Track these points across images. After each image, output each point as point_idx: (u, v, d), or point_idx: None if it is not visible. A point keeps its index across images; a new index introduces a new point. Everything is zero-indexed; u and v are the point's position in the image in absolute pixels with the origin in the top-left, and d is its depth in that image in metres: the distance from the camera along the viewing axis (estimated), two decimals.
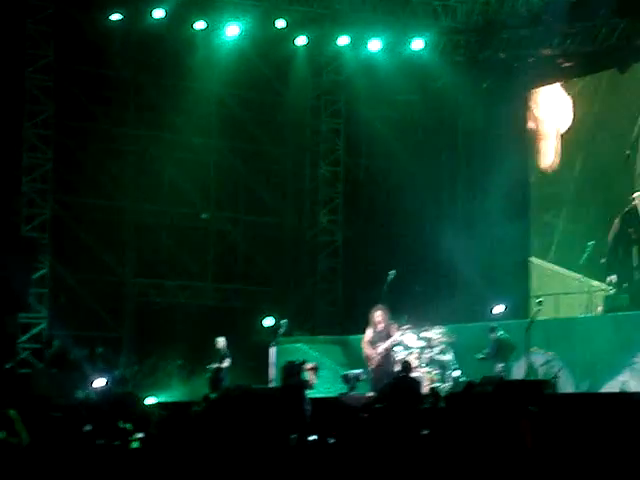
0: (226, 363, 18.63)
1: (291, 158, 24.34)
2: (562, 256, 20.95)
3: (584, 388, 16.44)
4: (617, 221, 18.98)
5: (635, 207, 19.03)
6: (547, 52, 20.72)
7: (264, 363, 19.11)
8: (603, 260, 18.77)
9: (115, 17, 20.96)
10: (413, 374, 16.40)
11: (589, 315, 17.51)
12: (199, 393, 16.26)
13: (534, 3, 20.21)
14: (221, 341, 18.85)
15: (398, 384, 13.95)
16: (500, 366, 16.63)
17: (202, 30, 21.36)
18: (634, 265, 18.74)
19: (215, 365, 18.60)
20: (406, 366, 14.51)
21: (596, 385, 16.37)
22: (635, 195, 19.12)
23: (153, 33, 21.18)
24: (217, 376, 18.43)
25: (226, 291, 23.49)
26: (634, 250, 18.82)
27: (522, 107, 22.36)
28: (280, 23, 21.42)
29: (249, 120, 23.56)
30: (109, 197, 22.52)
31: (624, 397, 14.28)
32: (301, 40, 22.14)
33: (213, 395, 15.95)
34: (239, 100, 23.39)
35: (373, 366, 16.59)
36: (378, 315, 16.58)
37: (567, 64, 21.30)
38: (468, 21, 21.52)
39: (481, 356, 16.74)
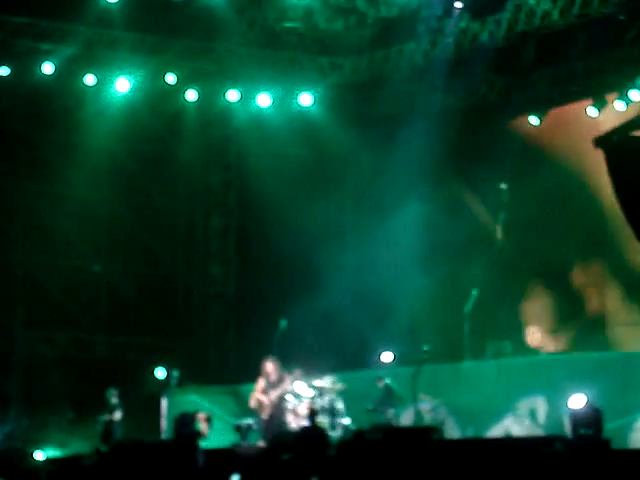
0: (117, 415, 18.58)
1: (183, 211, 24.46)
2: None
3: (469, 433, 16.86)
4: None
5: None
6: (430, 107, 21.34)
7: (156, 415, 19.11)
8: None
9: (3, 72, 20.89)
10: (303, 422, 16.68)
11: (473, 361, 17.98)
12: (90, 446, 16.18)
13: (416, 59, 20.86)
14: (113, 393, 18.81)
15: (305, 434, 13.99)
16: (391, 412, 16.97)
17: (92, 85, 21.45)
18: None
19: (106, 417, 18.54)
20: (312, 415, 14.60)
21: (481, 430, 16.81)
22: None
23: (43, 87, 21.20)
24: (108, 429, 18.35)
25: (118, 343, 23.37)
26: None
27: (409, 160, 22.96)
28: (170, 78, 21.67)
29: (141, 173, 23.55)
30: None
31: (508, 442, 14.71)
32: (191, 95, 22.42)
33: (104, 448, 15.91)
34: (130, 154, 23.38)
35: (265, 416, 16.80)
36: (269, 365, 16.85)
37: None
38: (354, 77, 22.09)
39: (369, 407, 17.06)
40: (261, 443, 16.26)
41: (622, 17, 19.04)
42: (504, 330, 19.38)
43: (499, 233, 18.41)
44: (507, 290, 19.82)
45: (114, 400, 18.72)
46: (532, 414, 16.76)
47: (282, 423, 16.89)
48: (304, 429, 14.44)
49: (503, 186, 18.32)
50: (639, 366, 16.28)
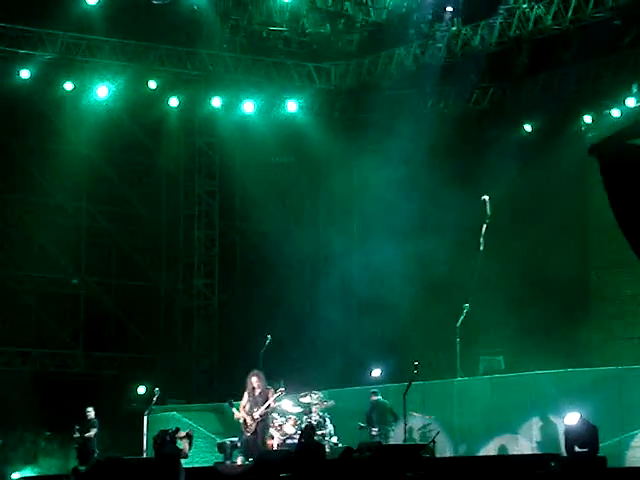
0: (93, 433, 17.90)
1: (165, 221, 23.95)
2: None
3: (462, 451, 16.35)
4: None
5: None
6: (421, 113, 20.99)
7: (137, 433, 18.54)
8: None
9: None
10: (290, 440, 16.07)
11: (465, 378, 17.47)
12: (67, 465, 15.73)
13: (407, 65, 20.50)
14: (90, 410, 18.19)
15: (303, 450, 13.37)
16: (375, 430, 16.41)
17: (70, 91, 21.02)
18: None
19: (83, 435, 17.85)
20: (308, 431, 13.96)
21: (473, 448, 16.30)
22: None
23: (20, 93, 20.71)
24: (86, 447, 17.74)
25: (97, 359, 22.84)
26: None
27: (399, 167, 22.52)
28: (151, 84, 21.24)
29: (121, 182, 23.14)
30: None
31: (501, 459, 14.23)
32: (173, 101, 21.94)
33: (82, 467, 15.38)
34: (111, 162, 23.00)
35: (249, 432, 16.18)
36: (254, 380, 16.25)
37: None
38: (342, 83, 21.70)
39: (361, 424, 16.50)
40: (240, 461, 15.67)
41: (617, 22, 18.65)
42: (496, 344, 18.90)
43: (482, 245, 17.95)
44: (497, 303, 19.35)
45: (91, 417, 18.11)
46: (526, 432, 16.25)
47: (266, 441, 16.27)
48: (301, 445, 13.74)
49: (485, 197, 17.88)
50: (635, 381, 15.74)
